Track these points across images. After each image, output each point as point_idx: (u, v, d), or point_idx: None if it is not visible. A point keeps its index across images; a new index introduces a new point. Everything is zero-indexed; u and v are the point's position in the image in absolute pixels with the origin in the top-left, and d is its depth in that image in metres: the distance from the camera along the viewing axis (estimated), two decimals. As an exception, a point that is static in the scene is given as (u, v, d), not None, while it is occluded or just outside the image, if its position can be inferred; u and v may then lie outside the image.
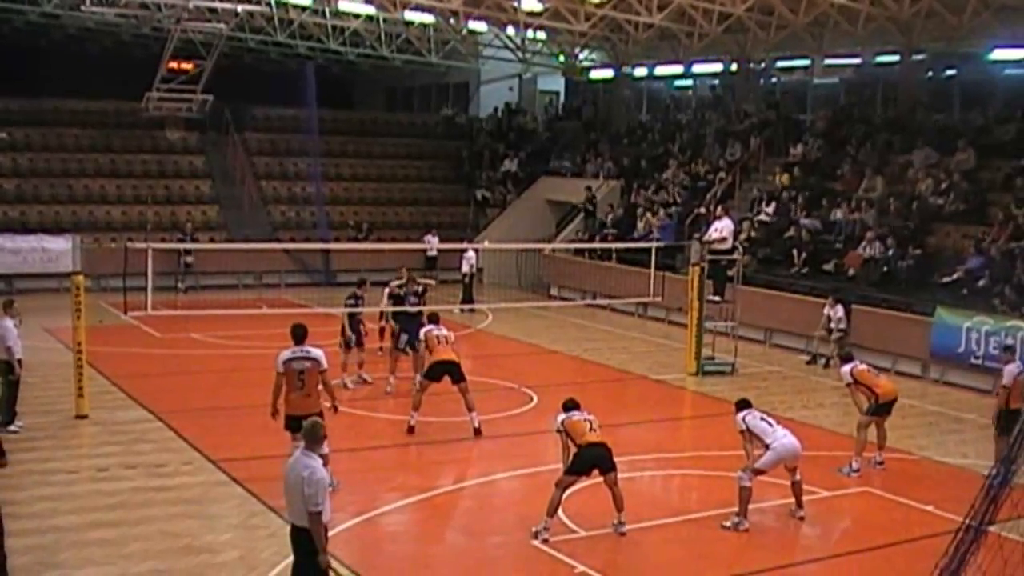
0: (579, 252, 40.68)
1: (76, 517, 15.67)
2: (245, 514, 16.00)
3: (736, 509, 16.10)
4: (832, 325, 29.12)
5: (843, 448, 20.02)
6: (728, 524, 16.12)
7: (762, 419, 16.60)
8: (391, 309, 25.24)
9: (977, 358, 26.58)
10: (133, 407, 22.47)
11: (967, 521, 8.25)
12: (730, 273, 29.26)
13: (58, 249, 34.92)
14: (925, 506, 17.30)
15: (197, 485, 17.46)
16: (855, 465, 18.91)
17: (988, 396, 25.61)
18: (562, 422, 15.84)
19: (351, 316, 24.91)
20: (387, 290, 25.72)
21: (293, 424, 15.49)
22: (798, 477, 16.61)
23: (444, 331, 21.23)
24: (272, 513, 15.84)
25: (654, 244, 30.94)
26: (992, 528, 8.67)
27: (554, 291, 41.04)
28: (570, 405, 16.17)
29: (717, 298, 28.89)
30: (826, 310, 29.18)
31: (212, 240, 40.93)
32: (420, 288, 25.83)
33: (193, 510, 16.14)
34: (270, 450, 18.30)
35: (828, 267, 32.29)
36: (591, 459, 15.50)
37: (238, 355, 27.73)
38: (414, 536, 16.30)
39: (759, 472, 16.20)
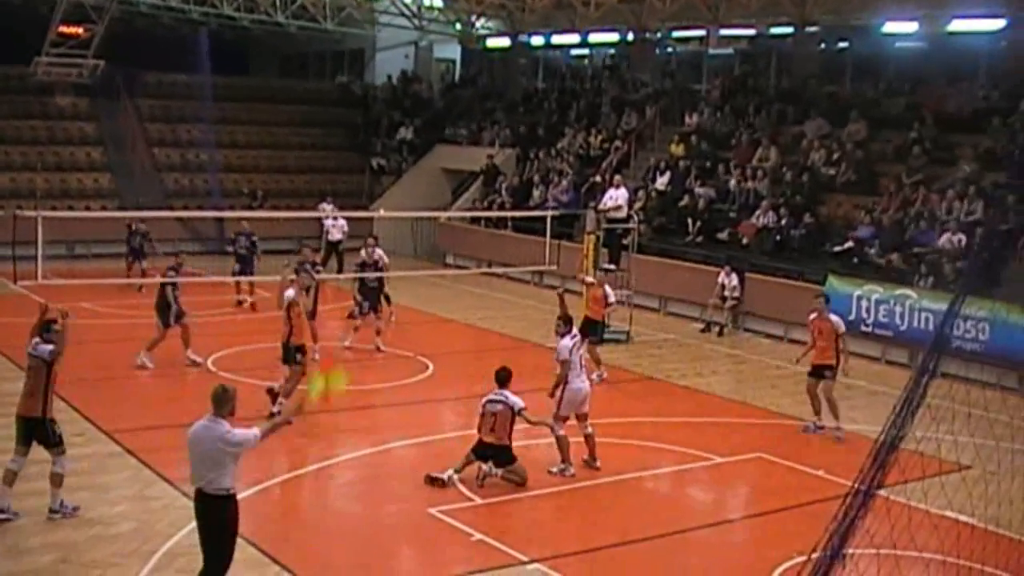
0: (475, 220, 40.70)
1: (-36, 490, 15.41)
2: (139, 485, 15.82)
3: (561, 457, 17.11)
4: (726, 293, 29.48)
5: (737, 415, 20.29)
6: (554, 470, 17.01)
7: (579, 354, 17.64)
8: (362, 275, 25.83)
9: (867, 326, 27.00)
10: (21, 378, 22.06)
11: (856, 485, 8.38)
12: (625, 242, 29.46)
13: (-55, 217, 34.32)
14: (816, 471, 17.58)
15: (89, 456, 17.23)
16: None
17: (877, 363, 26.11)
18: (484, 404, 16.64)
19: (362, 282, 25.76)
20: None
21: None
22: (590, 430, 17.46)
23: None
24: (166, 483, 15.72)
25: (549, 212, 31.05)
26: (880, 492, 8.82)
27: (450, 259, 41.01)
28: (502, 378, 16.83)
29: (612, 267, 29.09)
30: (720, 278, 29.50)
31: (104, 208, 40.31)
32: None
33: (85, 481, 15.91)
34: (163, 420, 18.18)
35: (722, 236, 32.58)
36: (482, 454, 16.51)
37: (130, 324, 27.34)
38: (311, 505, 16.26)
39: (564, 419, 17.16)
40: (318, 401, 12.98)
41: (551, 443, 17.40)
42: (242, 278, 30.49)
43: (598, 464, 17.41)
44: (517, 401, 16.59)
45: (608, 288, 24.26)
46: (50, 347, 14.76)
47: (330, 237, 35.93)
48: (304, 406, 12.40)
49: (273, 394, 19.27)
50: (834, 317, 20.29)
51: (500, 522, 15.19)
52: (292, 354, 19.76)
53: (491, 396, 16.69)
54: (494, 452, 16.48)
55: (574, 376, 17.29)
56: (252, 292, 30.45)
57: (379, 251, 26.67)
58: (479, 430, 16.64)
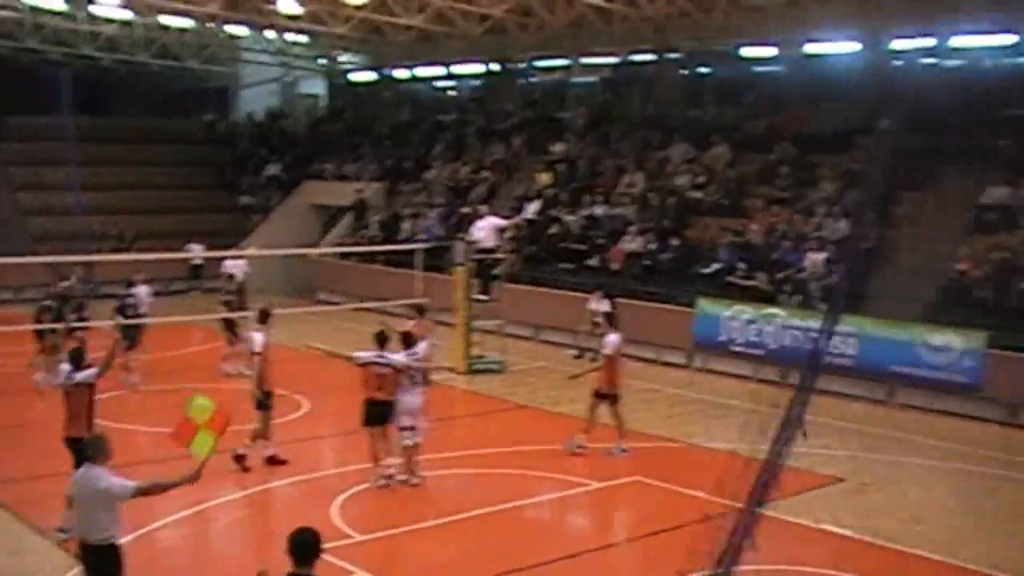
0: (346, 255, 40.55)
1: None
2: (12, 538, 15.47)
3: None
4: (598, 319, 29.64)
5: (613, 439, 20.37)
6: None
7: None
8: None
9: (738, 345, 27.41)
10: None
11: (744, 505, 8.51)
12: (495, 272, 29.57)
13: None
14: (696, 491, 17.74)
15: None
16: None
17: (750, 382, 26.45)
18: (364, 363, 17.91)
19: None
20: None
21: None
22: (407, 443, 17.96)
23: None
24: (40, 536, 15.42)
25: (419, 245, 31.12)
26: (761, 509, 8.97)
27: (322, 295, 40.78)
28: (381, 340, 18.02)
29: (484, 297, 29.18)
30: (591, 304, 29.67)
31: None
32: None
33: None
34: (38, 470, 17.85)
35: (592, 262, 32.81)
36: (373, 413, 17.80)
37: (12, 373, 26.74)
38: (190, 550, 16.05)
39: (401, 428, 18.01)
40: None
41: (428, 476, 17.47)
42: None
43: (416, 481, 18.06)
44: (396, 360, 17.77)
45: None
46: (93, 371, 15.49)
47: (237, 278, 35.75)
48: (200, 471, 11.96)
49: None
50: (610, 337, 20.48)
51: (380, 558, 15.14)
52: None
53: (372, 358, 17.88)
54: (383, 410, 17.77)
55: (401, 391, 17.87)
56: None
57: None
58: (366, 390, 17.87)
